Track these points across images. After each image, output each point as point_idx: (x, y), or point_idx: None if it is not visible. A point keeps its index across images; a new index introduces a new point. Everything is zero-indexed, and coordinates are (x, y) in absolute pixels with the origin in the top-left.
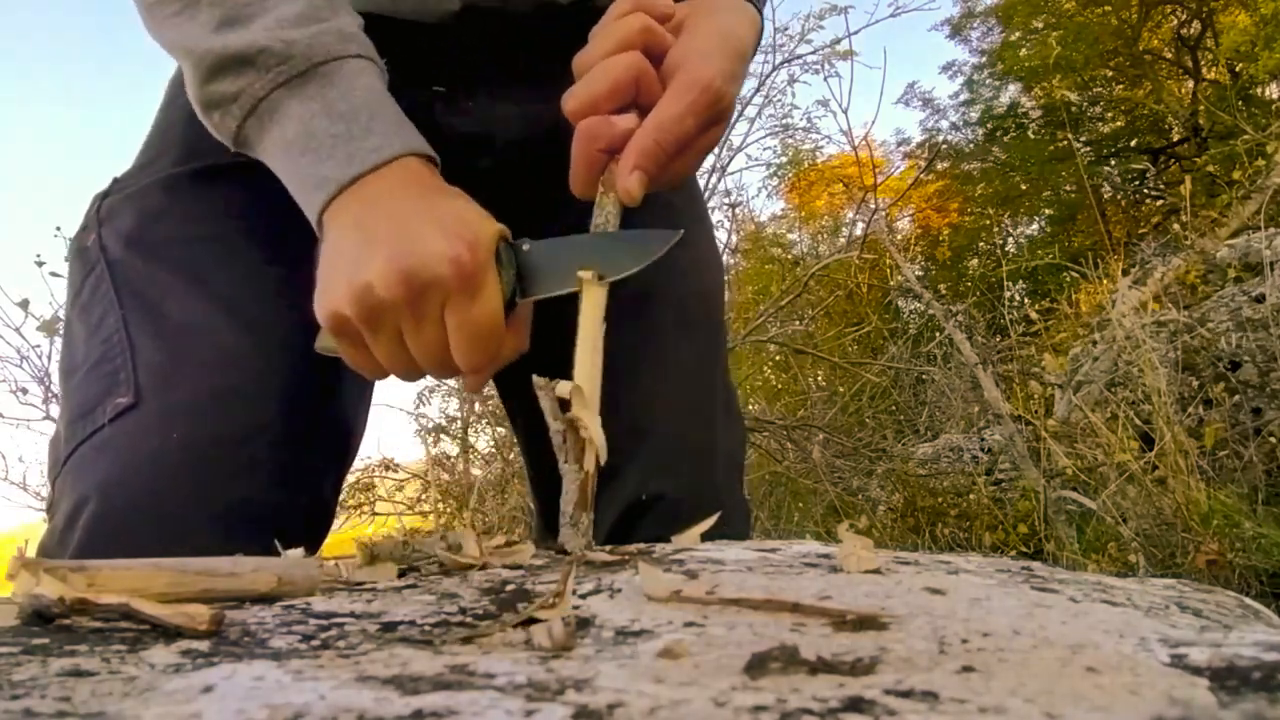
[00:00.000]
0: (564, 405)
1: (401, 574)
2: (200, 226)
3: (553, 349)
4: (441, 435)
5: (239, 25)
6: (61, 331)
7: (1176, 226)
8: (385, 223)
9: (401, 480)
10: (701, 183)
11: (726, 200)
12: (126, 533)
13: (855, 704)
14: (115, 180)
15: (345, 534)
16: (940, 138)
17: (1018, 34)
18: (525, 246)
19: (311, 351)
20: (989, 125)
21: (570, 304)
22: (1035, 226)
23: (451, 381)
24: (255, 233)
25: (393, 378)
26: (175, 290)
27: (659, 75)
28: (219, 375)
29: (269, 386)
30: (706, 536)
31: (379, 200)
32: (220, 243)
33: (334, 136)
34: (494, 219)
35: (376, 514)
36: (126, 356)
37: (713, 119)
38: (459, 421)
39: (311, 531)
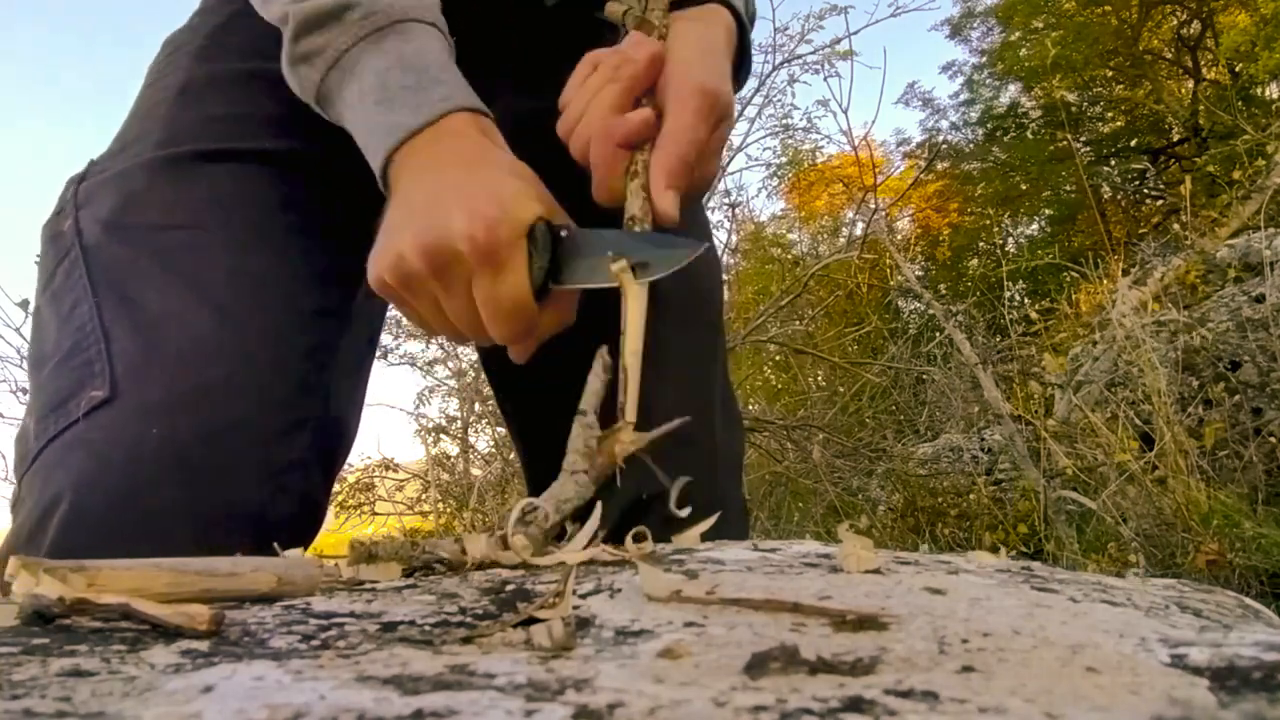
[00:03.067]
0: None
1: (408, 574)
2: (182, 213)
3: (560, 345)
4: (441, 435)
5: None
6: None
7: (1176, 226)
8: (424, 194)
9: (401, 480)
10: None
11: (726, 200)
12: (103, 532)
13: (855, 704)
14: (92, 163)
15: (345, 534)
16: (940, 138)
17: (1018, 34)
18: (563, 233)
19: (296, 347)
20: (989, 125)
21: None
22: (1035, 226)
23: (451, 381)
24: (238, 222)
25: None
26: (153, 279)
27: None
28: (199, 370)
29: (251, 382)
30: (706, 537)
31: (426, 168)
32: (202, 231)
33: (405, 88)
34: (541, 199)
35: (376, 514)
36: (101, 347)
37: (718, 118)
38: (459, 421)
39: (301, 531)
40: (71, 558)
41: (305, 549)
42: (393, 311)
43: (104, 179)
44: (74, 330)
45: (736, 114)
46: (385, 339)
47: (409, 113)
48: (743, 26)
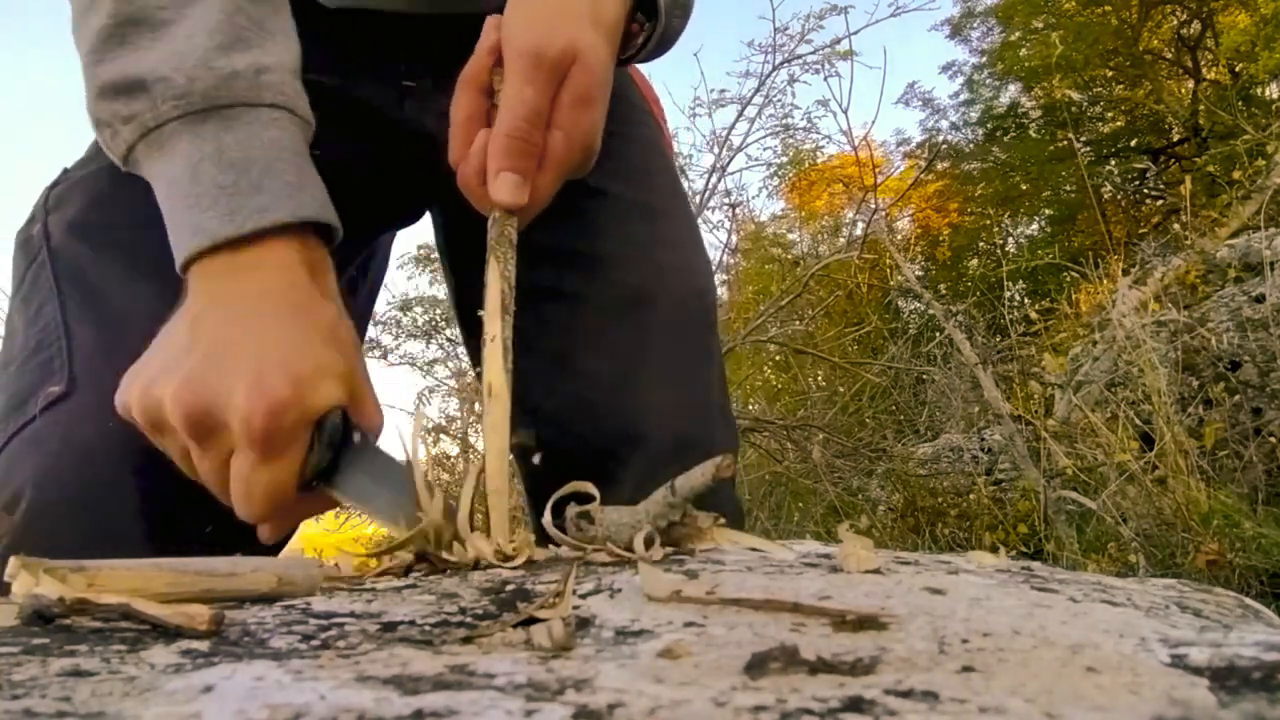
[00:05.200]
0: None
1: (405, 572)
2: (147, 210)
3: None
4: (441, 435)
5: (146, 34)
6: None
7: (1176, 226)
8: (212, 334)
9: None
10: (701, 183)
11: (726, 200)
12: (63, 527)
13: (855, 704)
14: (65, 170)
15: (346, 534)
16: (940, 138)
17: (1018, 34)
18: (355, 437)
19: None
20: (989, 125)
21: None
22: (1035, 226)
23: (451, 381)
24: None
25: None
26: (117, 275)
27: None
28: None
29: None
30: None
31: (228, 297)
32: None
33: (219, 187)
34: (348, 380)
35: None
36: (62, 344)
37: (554, 72)
38: (459, 421)
39: None
40: (32, 556)
41: (279, 551)
42: (391, 309)
43: (72, 183)
44: (39, 330)
45: (737, 114)
46: (385, 339)
47: (219, 218)
48: None
